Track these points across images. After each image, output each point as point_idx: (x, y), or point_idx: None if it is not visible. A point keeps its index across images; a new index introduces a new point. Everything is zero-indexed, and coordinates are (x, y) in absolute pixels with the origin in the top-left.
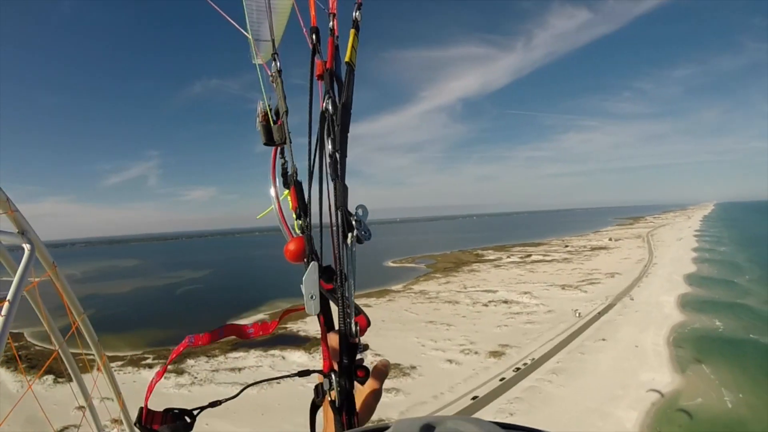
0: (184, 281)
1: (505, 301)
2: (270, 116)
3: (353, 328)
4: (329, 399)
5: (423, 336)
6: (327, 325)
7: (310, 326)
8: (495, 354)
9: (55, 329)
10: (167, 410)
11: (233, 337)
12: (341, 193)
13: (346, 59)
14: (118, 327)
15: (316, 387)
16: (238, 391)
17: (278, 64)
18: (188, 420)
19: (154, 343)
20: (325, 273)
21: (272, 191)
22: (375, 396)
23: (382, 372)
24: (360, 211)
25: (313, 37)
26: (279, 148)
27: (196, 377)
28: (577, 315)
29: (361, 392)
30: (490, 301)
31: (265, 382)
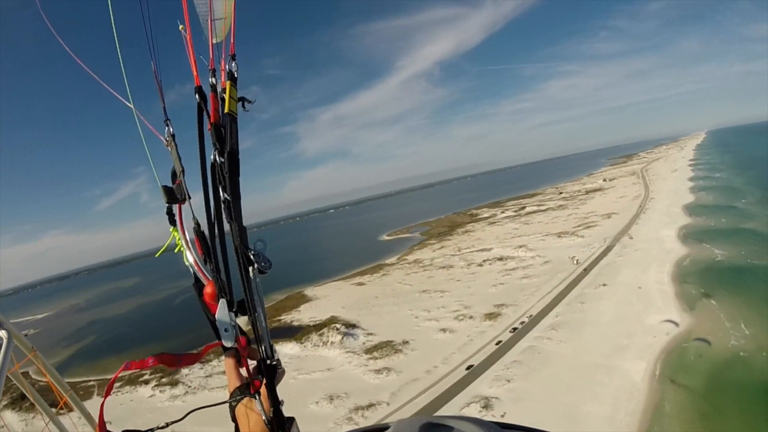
0: (182, 290)
1: (500, 258)
2: (179, 176)
3: (269, 351)
4: (264, 418)
5: (416, 307)
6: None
7: (304, 315)
8: (490, 316)
9: (44, 404)
10: (125, 431)
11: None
12: (237, 232)
13: (226, 110)
14: (116, 348)
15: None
16: (183, 415)
17: (171, 129)
18: None
19: None
20: (241, 306)
21: (184, 244)
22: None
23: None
24: (260, 245)
25: (196, 96)
26: (182, 205)
27: (189, 386)
28: (575, 262)
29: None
30: (484, 261)
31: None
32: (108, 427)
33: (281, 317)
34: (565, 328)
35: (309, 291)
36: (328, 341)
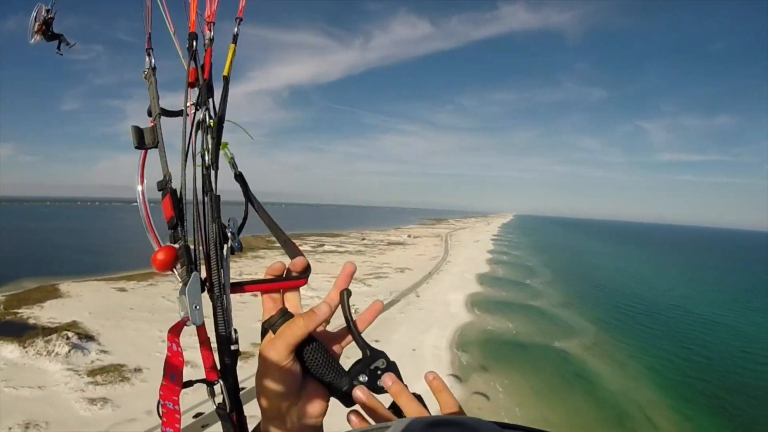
0: None
1: None
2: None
3: (234, 335)
4: (215, 405)
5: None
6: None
7: (45, 313)
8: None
9: None
10: None
11: None
12: (216, 205)
13: (225, 73)
14: None
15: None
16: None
17: (152, 60)
18: None
19: None
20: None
21: (139, 189)
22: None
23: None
24: (231, 223)
25: (193, 42)
26: (148, 151)
27: None
28: (354, 311)
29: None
30: (253, 295)
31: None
32: None
33: (20, 310)
34: None
35: (65, 286)
36: (53, 351)
